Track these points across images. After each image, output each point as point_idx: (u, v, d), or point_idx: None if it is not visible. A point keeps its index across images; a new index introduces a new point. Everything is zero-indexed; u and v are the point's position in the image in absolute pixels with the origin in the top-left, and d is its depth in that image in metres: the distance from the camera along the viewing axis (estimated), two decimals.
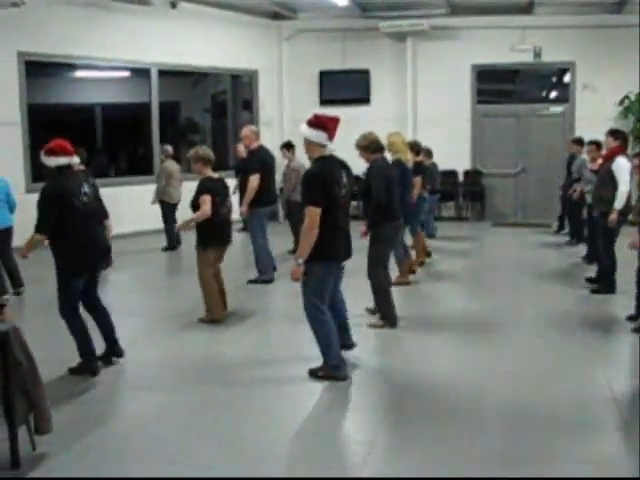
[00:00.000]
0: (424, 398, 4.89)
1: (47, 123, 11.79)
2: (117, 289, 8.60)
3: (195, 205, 6.65)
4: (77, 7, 11.50)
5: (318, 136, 4.93)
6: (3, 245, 7.87)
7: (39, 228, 5.08)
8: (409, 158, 8.03)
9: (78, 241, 5.14)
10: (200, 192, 6.59)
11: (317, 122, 4.95)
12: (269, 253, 8.50)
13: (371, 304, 6.71)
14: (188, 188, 10.51)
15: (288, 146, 10.21)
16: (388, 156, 7.27)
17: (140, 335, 6.53)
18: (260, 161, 8.28)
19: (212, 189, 6.57)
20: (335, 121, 5.00)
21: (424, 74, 14.10)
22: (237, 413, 4.69)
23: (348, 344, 5.63)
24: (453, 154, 13.67)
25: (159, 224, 11.15)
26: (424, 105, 14.13)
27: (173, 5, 12.69)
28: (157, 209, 11.06)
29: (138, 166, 13.76)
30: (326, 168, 4.95)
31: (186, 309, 7.26)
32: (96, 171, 10.03)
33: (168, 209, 10.99)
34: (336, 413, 4.78)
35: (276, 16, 14.41)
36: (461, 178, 14.20)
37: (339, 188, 4.96)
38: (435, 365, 5.60)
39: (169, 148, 11.28)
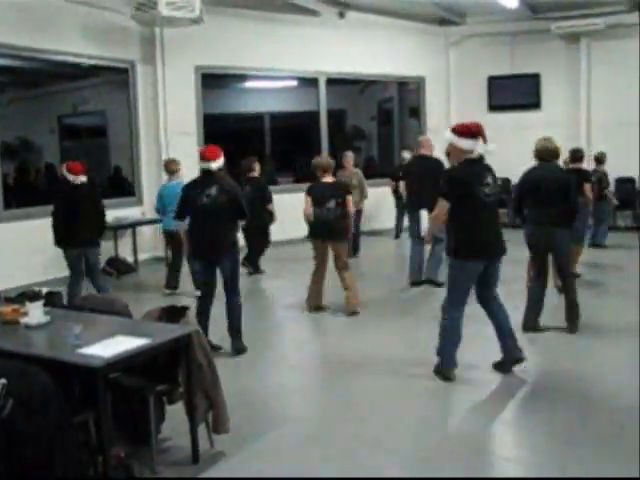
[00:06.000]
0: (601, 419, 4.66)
1: (219, 132, 12.30)
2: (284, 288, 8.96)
3: None
4: (248, 21, 11.94)
5: (469, 144, 5.06)
6: (177, 245, 8.27)
7: (177, 215, 6.41)
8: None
9: (191, 232, 6.22)
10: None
11: (469, 131, 5.11)
12: (413, 256, 8.79)
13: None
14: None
15: None
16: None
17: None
18: (406, 169, 9.22)
19: (311, 191, 7.55)
20: (481, 125, 5.17)
21: (599, 76, 13.37)
22: (385, 416, 4.78)
23: (516, 357, 5.39)
24: (631, 160, 12.84)
25: None
26: (599, 109, 13.38)
27: (341, 15, 12.88)
28: None
29: (307, 173, 14.02)
30: (471, 169, 5.11)
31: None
32: (266, 178, 10.35)
33: None
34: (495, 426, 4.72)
35: (443, 22, 14.24)
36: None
37: (482, 187, 5.08)
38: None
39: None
